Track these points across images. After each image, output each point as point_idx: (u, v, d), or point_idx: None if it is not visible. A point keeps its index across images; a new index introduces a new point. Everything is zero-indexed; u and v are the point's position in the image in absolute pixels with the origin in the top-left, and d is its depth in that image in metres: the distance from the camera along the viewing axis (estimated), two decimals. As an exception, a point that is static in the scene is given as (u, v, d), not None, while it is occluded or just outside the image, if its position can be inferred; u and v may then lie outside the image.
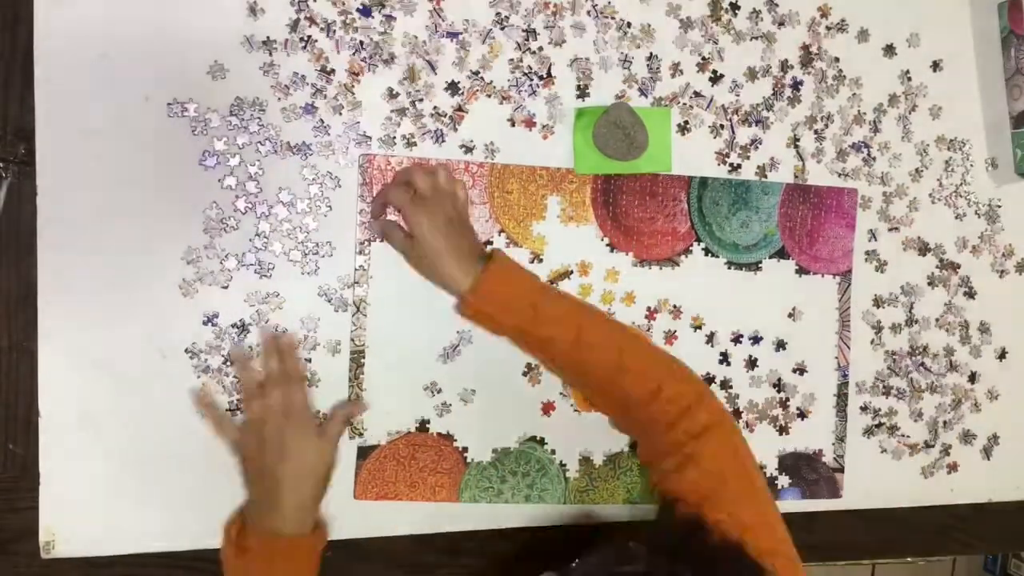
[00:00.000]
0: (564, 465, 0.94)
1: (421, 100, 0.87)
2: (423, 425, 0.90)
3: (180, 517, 0.85)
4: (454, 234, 0.77)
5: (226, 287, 0.84)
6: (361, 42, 0.85)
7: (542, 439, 0.93)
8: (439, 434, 0.91)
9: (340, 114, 0.85)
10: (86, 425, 0.82)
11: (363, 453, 0.89)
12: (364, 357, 0.88)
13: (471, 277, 0.76)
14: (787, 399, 1.00)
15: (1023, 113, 1.01)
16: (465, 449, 0.91)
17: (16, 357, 0.80)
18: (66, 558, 0.82)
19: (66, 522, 0.82)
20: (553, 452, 0.93)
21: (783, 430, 1.00)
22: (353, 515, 0.88)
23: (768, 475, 1.00)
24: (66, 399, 0.81)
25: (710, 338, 0.97)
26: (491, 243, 0.90)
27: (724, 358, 0.98)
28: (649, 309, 0.95)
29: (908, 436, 1.05)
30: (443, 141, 0.88)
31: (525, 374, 0.92)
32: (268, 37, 0.83)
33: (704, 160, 0.95)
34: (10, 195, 0.79)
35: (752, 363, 0.99)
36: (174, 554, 0.85)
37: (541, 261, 0.91)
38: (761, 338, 0.99)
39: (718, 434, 0.76)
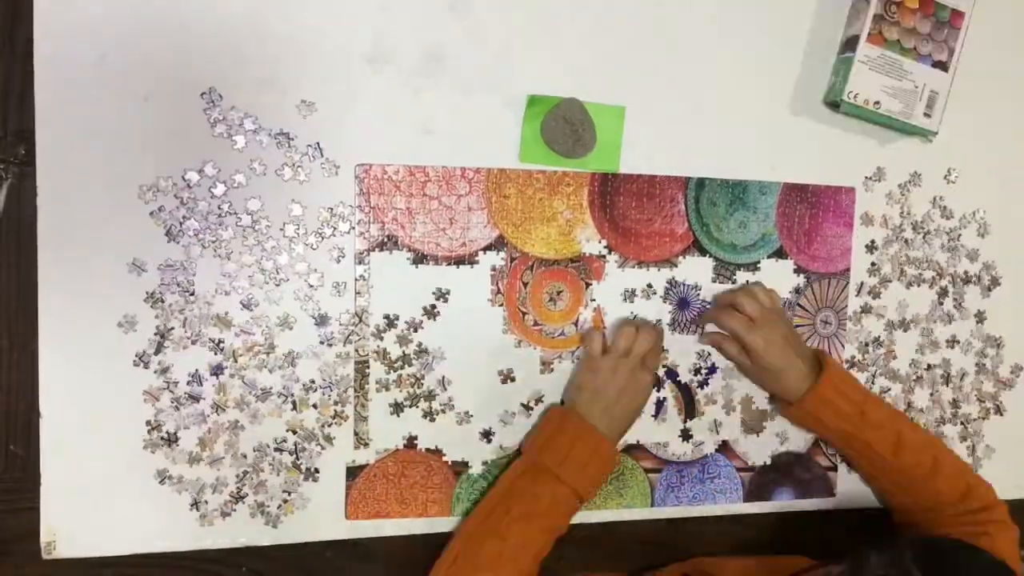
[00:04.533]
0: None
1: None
2: (411, 441, 0.90)
3: (181, 517, 0.85)
4: (790, 351, 0.90)
5: (227, 293, 0.84)
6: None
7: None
8: (427, 449, 0.91)
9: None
10: (86, 425, 0.82)
11: (352, 473, 0.89)
12: (368, 367, 0.88)
13: (806, 385, 0.89)
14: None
15: (853, 38, 0.95)
16: (455, 462, 0.91)
17: (16, 357, 0.80)
18: (67, 559, 0.82)
19: (67, 523, 0.82)
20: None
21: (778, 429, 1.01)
22: (345, 533, 0.89)
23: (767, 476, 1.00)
24: (66, 399, 0.81)
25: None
26: (491, 247, 0.90)
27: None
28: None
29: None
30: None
31: (504, 381, 0.92)
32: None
33: (701, 160, 0.95)
34: (10, 195, 0.79)
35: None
36: (175, 554, 0.85)
37: (542, 263, 0.92)
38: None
39: (1011, 533, 0.89)
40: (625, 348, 0.88)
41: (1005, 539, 0.87)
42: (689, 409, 0.97)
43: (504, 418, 0.92)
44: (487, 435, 0.92)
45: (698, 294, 0.96)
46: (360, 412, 0.88)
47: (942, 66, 0.97)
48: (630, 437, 0.95)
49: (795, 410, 0.91)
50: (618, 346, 0.89)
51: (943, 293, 1.05)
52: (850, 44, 0.95)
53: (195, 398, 0.84)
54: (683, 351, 0.97)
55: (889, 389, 1.04)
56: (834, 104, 0.96)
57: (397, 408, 0.89)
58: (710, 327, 0.96)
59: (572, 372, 0.93)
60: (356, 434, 0.88)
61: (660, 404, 0.96)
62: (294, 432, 0.87)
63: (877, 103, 0.95)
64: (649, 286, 0.95)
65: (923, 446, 0.92)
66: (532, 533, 0.82)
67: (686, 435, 0.97)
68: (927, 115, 0.97)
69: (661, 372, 0.96)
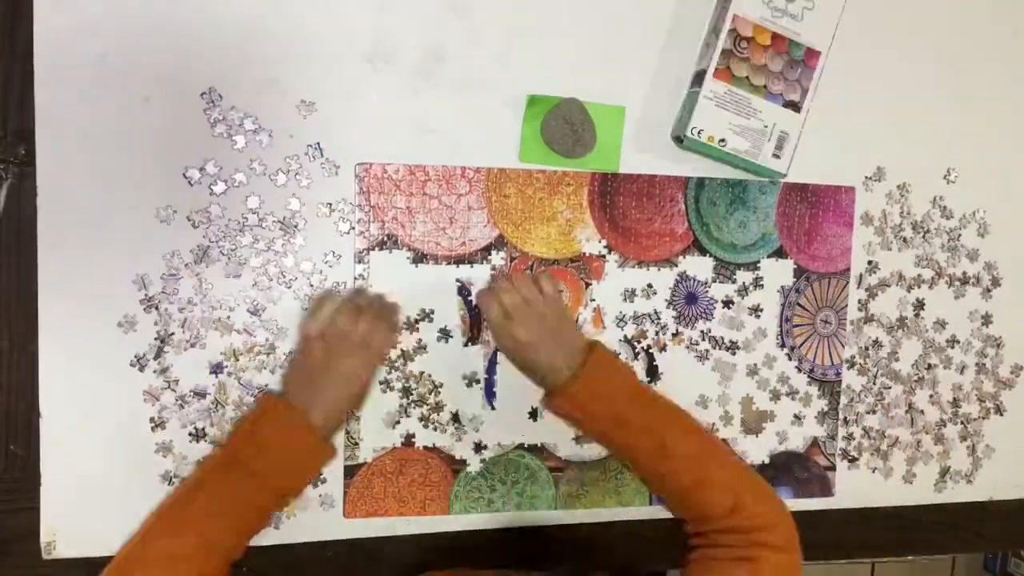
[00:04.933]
0: (553, 471, 0.94)
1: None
2: (408, 439, 0.90)
3: (180, 517, 0.85)
4: (548, 346, 0.81)
5: (227, 292, 0.84)
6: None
7: (530, 446, 0.93)
8: (425, 447, 0.91)
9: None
10: (86, 425, 0.82)
11: (350, 472, 0.89)
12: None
13: (561, 379, 0.80)
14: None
15: (701, 72, 0.90)
16: (453, 460, 0.91)
17: (16, 357, 0.80)
18: (67, 558, 0.83)
19: (67, 522, 0.82)
20: (542, 459, 0.94)
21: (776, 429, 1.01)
22: (345, 532, 0.89)
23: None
24: (66, 399, 0.81)
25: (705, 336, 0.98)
26: (491, 247, 0.90)
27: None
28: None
29: (905, 435, 1.05)
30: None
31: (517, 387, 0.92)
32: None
33: (701, 160, 0.95)
34: (10, 195, 0.79)
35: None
36: (174, 554, 0.85)
37: (543, 263, 0.92)
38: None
39: (785, 559, 0.76)
40: (341, 331, 0.80)
41: (769, 566, 0.74)
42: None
43: (500, 415, 0.92)
44: (486, 434, 0.92)
45: (707, 291, 0.96)
46: (352, 411, 0.88)
47: (794, 106, 0.92)
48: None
49: (547, 403, 0.83)
50: (335, 331, 0.80)
51: (943, 293, 1.05)
52: (698, 78, 0.90)
53: (198, 395, 0.84)
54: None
55: (890, 388, 1.04)
56: (678, 139, 0.92)
57: (396, 407, 0.89)
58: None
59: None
60: (347, 433, 0.88)
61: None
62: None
63: (723, 141, 0.90)
64: (649, 286, 0.95)
65: (692, 455, 0.80)
66: (215, 532, 0.74)
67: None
68: (776, 156, 0.92)
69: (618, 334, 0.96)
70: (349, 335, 0.79)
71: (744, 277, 0.98)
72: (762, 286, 0.98)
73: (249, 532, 0.77)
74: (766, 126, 0.91)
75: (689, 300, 0.96)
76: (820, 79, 0.92)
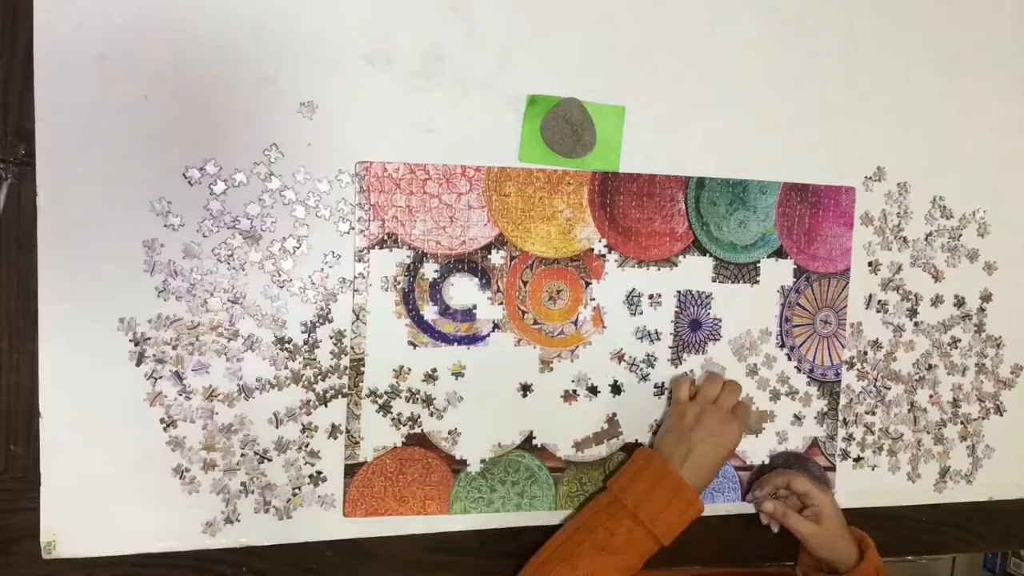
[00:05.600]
0: (553, 471, 0.94)
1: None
2: (409, 439, 0.90)
3: (181, 517, 0.85)
4: (842, 519, 0.93)
5: (227, 291, 0.84)
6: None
7: (531, 446, 0.93)
8: (425, 447, 0.90)
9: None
10: (86, 425, 0.82)
11: (350, 471, 0.89)
12: (363, 366, 0.88)
13: (852, 559, 0.91)
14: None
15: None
16: (453, 460, 0.91)
17: (16, 357, 0.80)
18: (67, 558, 0.82)
19: (67, 522, 0.82)
20: (542, 459, 0.94)
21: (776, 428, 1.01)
22: (345, 532, 0.89)
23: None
24: (66, 399, 0.81)
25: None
26: (491, 246, 0.90)
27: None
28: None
29: (904, 435, 1.05)
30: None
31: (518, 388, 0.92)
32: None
33: (701, 160, 0.95)
34: (10, 195, 0.79)
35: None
36: (175, 554, 0.85)
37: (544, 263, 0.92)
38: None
39: None
40: (711, 396, 0.91)
41: None
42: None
43: (501, 416, 0.92)
44: (485, 433, 0.92)
45: (708, 312, 0.96)
46: (353, 410, 0.88)
47: None
48: (629, 436, 0.95)
49: None
50: (705, 394, 0.91)
51: (943, 294, 1.05)
52: None
53: (198, 394, 0.84)
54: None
55: (890, 388, 1.04)
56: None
57: (388, 406, 0.89)
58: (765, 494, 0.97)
59: (662, 416, 0.96)
60: (348, 432, 0.88)
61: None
62: (292, 431, 0.87)
63: None
64: (650, 296, 0.95)
65: None
66: (601, 567, 0.82)
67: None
68: None
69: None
70: (721, 402, 0.91)
71: (744, 277, 0.98)
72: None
73: (628, 572, 0.83)
74: None
75: (693, 327, 0.96)
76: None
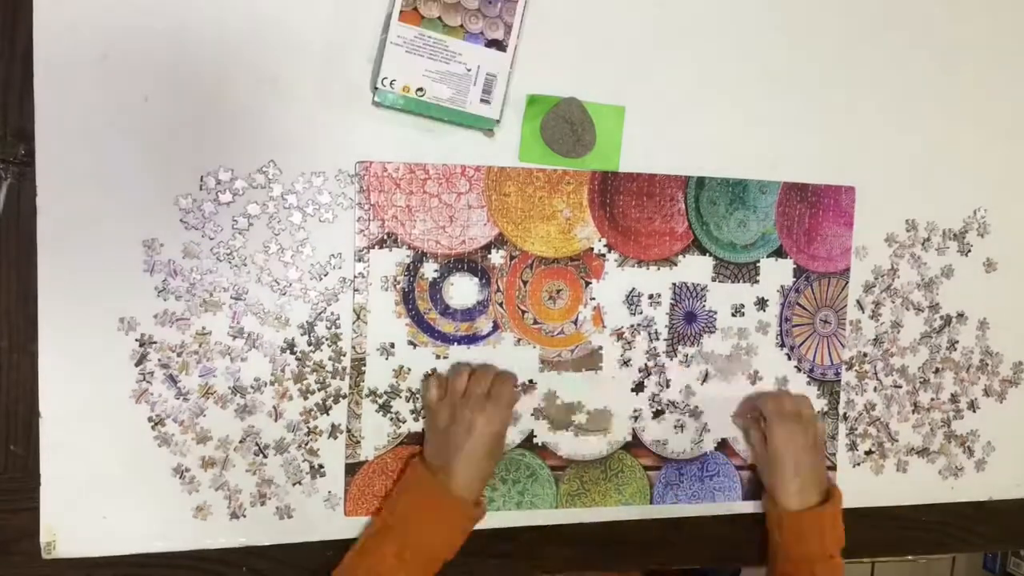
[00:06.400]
0: (554, 470, 0.94)
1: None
2: (410, 438, 0.90)
3: (180, 517, 0.85)
4: (805, 459, 0.91)
5: (227, 290, 0.84)
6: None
7: (531, 445, 0.93)
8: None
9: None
10: (86, 425, 0.82)
11: (351, 469, 0.89)
12: (364, 365, 0.88)
13: (798, 500, 0.90)
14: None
15: (388, 16, 0.82)
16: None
17: (16, 357, 0.80)
18: (67, 558, 0.82)
19: (67, 522, 0.82)
20: (543, 457, 0.94)
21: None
22: (345, 532, 0.89)
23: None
24: (66, 399, 0.81)
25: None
26: (491, 246, 0.90)
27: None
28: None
29: (905, 435, 1.05)
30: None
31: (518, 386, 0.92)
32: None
33: (701, 159, 0.95)
34: (10, 195, 0.79)
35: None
36: (175, 554, 0.85)
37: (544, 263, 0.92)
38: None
39: None
40: (460, 389, 0.85)
41: None
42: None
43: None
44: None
45: (704, 305, 0.96)
46: (354, 410, 0.88)
47: (498, 45, 0.83)
48: (631, 436, 0.95)
49: (779, 514, 0.91)
50: (454, 388, 0.85)
51: (942, 293, 1.05)
52: (386, 24, 0.82)
53: (199, 393, 0.84)
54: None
55: (890, 388, 1.04)
56: (376, 95, 0.84)
57: (388, 406, 0.89)
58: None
59: None
60: (349, 431, 0.88)
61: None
62: (293, 431, 0.87)
63: (420, 90, 0.81)
64: (651, 296, 0.95)
65: None
66: None
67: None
68: (485, 101, 0.84)
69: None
70: (470, 391, 0.84)
71: (744, 277, 0.98)
72: (765, 308, 0.99)
73: None
74: (469, 69, 0.83)
75: (688, 319, 0.96)
76: (525, 12, 0.85)
